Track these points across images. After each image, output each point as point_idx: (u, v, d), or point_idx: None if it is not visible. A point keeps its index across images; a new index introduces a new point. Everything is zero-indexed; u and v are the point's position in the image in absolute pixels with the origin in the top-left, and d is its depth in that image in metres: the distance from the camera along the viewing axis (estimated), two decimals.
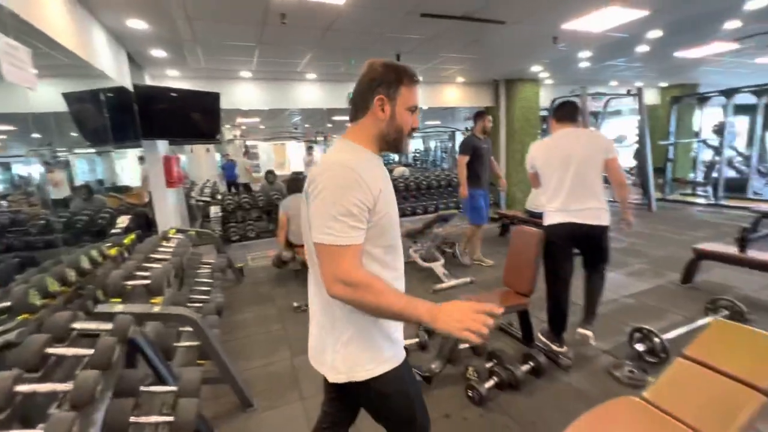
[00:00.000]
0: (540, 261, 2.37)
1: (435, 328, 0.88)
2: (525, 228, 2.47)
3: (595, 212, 2.29)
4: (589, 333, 2.52)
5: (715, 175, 7.60)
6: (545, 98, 7.56)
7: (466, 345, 2.54)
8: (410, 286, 3.79)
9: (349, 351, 1.01)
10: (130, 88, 3.85)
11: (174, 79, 5.26)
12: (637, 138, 7.27)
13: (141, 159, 6.66)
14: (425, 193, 7.11)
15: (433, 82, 6.71)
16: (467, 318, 0.86)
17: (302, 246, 4.32)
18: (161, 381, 1.59)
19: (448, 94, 6.95)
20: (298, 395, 2.28)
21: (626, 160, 10.44)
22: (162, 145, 4.62)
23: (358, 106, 1.04)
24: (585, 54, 5.23)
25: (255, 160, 14.67)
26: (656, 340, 2.32)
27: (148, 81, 4.83)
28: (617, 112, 11.78)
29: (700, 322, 2.63)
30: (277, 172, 6.89)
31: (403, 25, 3.69)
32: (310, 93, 6.10)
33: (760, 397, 1.04)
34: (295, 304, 3.47)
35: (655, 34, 4.33)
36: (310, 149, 9.80)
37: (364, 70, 1.03)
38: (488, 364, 2.30)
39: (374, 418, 1.12)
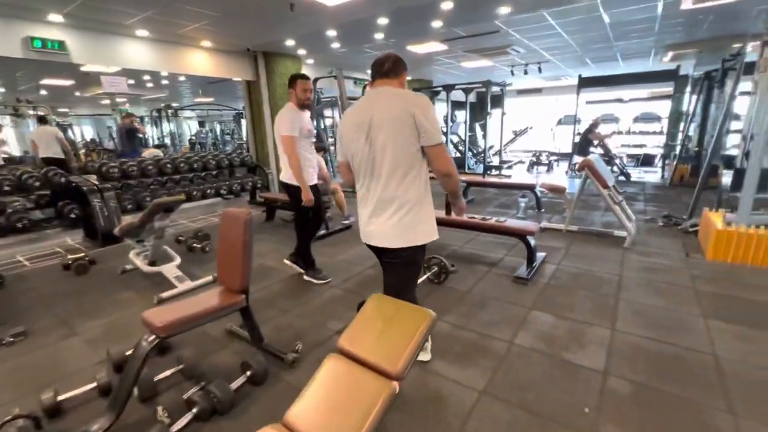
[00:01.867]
0: (251, 248, 1.99)
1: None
2: (230, 211, 2.02)
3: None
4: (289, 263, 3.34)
5: None
6: None
7: (167, 373, 1.96)
8: (126, 297, 2.71)
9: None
10: None
11: None
12: None
13: None
14: (194, 177, 5.92)
15: (171, 41, 5.47)
16: None
17: None
18: None
19: (194, 59, 5.85)
20: None
21: None
22: None
23: (393, 71, 1.62)
24: (332, 33, 5.27)
25: None
26: None
27: None
28: None
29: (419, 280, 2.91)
30: None
31: None
32: None
33: (392, 385, 0.92)
34: None
35: (384, 21, 4.69)
36: (42, 119, 6.46)
37: (394, 52, 1.67)
38: (192, 390, 1.78)
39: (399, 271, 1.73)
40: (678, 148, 7.82)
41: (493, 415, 1.69)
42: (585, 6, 4.46)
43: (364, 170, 1.62)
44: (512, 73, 9.05)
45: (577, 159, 9.33)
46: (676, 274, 3.17)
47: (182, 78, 8.87)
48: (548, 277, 3.18)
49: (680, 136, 7.84)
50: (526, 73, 8.87)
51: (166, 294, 2.94)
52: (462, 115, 10.62)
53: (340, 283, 3.19)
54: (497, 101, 9.50)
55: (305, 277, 3.28)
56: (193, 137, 16.68)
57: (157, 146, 9.67)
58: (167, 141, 13.41)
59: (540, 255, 3.47)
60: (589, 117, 10.91)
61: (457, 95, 9.74)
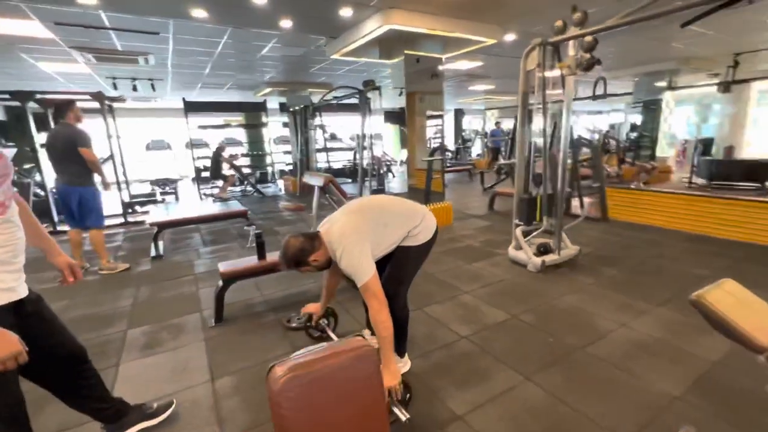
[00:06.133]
0: None
1: None
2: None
3: None
4: None
5: None
6: None
7: None
8: None
9: None
10: None
11: None
12: None
13: None
14: None
15: None
16: None
17: None
18: None
19: None
20: None
21: None
22: None
23: None
24: None
25: None
26: None
27: None
28: None
29: None
30: None
31: None
32: None
33: None
34: None
35: None
36: None
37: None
38: None
39: None
40: (297, 165, 9.57)
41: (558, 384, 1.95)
42: (255, 33, 4.64)
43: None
44: (115, 86, 7.23)
45: (216, 182, 9.19)
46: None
47: None
48: None
49: (295, 155, 9.74)
50: (135, 89, 7.40)
51: None
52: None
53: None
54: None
55: None
56: None
57: None
58: None
59: None
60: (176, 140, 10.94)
61: None
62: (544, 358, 2.20)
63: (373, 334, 2.35)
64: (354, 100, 7.92)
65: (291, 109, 9.36)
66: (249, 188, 9.35)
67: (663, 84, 8.49)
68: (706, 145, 9.62)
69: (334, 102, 7.86)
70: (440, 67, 6.12)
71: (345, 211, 1.94)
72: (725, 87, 8.27)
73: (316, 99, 8.76)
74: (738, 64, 7.24)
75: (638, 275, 3.35)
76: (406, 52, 4.61)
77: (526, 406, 1.82)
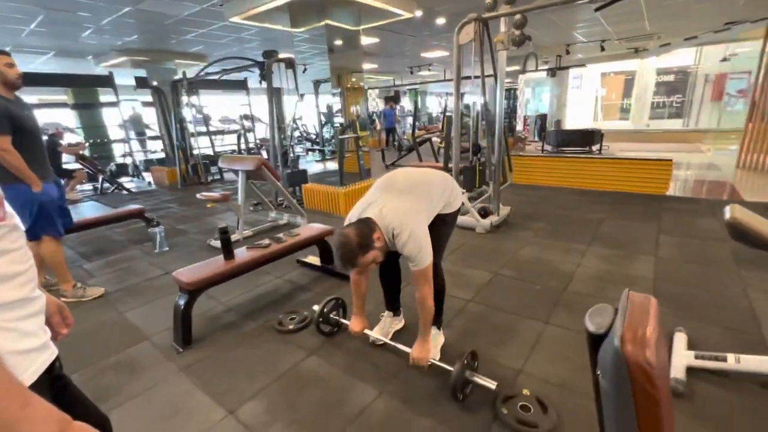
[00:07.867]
0: None
1: None
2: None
3: None
4: None
5: None
6: None
7: None
8: None
9: None
10: None
11: None
12: None
13: None
14: None
15: None
16: None
17: None
18: None
19: None
20: None
21: None
22: None
23: None
24: None
25: None
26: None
27: None
28: None
29: None
30: None
31: None
32: None
33: None
34: None
35: None
36: None
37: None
38: None
39: None
40: (174, 153, 7.82)
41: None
42: None
43: None
44: None
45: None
46: None
47: None
48: None
49: (166, 141, 8.05)
50: None
51: None
52: None
53: None
54: None
55: None
56: None
57: None
58: None
59: None
60: None
61: None
62: (545, 303, 2.46)
63: (395, 315, 2.24)
64: (236, 76, 6.99)
65: (154, 85, 7.69)
66: (107, 185, 7.44)
67: (518, 68, 10.08)
68: (543, 119, 11.95)
69: (218, 77, 6.79)
70: (337, 42, 5.88)
71: (390, 191, 1.76)
72: (553, 73, 10.31)
73: (188, 73, 7.35)
74: (569, 53, 9.10)
75: (559, 225, 4.00)
76: (327, 22, 4.26)
77: (563, 345, 2.02)
